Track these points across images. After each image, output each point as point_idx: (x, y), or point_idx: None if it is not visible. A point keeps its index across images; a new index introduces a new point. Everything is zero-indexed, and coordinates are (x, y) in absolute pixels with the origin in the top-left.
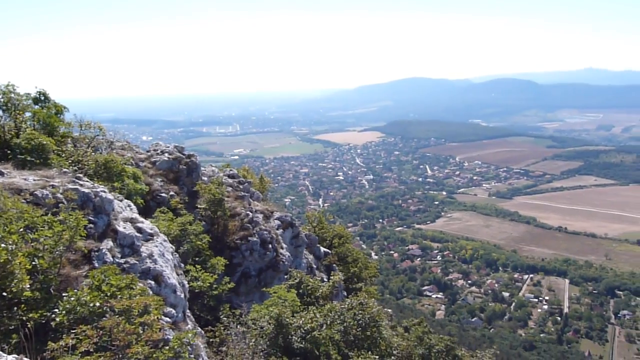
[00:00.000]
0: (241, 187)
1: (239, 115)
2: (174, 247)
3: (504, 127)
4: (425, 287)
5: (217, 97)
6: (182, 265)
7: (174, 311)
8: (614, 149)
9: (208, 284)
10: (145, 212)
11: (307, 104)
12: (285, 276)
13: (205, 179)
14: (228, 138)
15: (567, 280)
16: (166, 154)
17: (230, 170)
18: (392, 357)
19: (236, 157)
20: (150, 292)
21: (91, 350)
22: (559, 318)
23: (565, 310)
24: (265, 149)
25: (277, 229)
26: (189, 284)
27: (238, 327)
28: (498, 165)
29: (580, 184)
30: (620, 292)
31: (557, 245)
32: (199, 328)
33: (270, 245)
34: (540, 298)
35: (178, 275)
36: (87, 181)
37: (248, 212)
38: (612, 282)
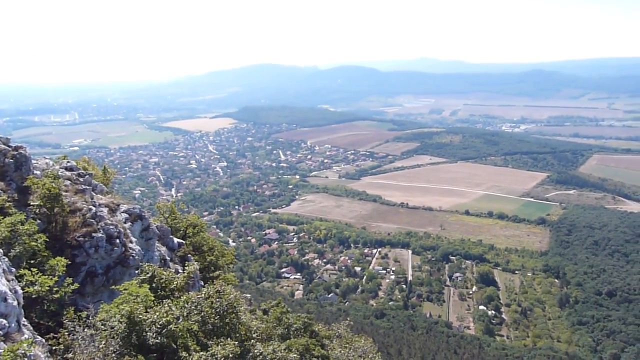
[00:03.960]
0: (81, 179)
1: (77, 102)
2: (2, 251)
3: (350, 111)
4: (284, 269)
5: (49, 85)
6: (14, 269)
7: (5, 321)
8: (445, 131)
9: (47, 288)
10: None
11: (154, 90)
12: (137, 271)
13: (38, 172)
14: (65, 127)
15: (410, 251)
16: None
17: (68, 162)
18: (252, 341)
19: (76, 147)
20: None
21: None
22: (404, 286)
23: (409, 278)
24: (109, 139)
25: (125, 223)
26: (23, 289)
27: (85, 330)
28: (346, 148)
29: (418, 163)
30: (453, 257)
31: (400, 220)
32: (38, 337)
33: (117, 240)
34: (388, 269)
35: (9, 281)
36: None
37: (91, 206)
38: (446, 249)
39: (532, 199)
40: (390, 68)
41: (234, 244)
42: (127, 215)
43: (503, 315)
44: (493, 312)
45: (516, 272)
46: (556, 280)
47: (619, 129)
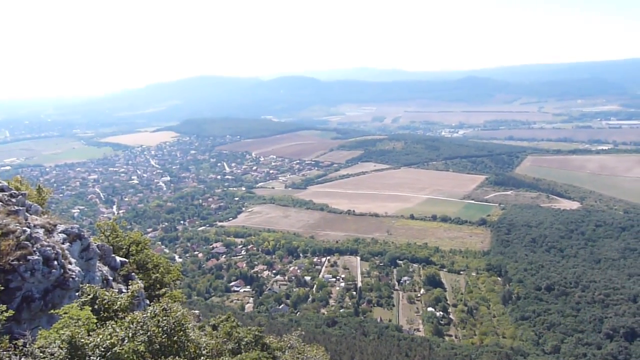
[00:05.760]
0: (14, 200)
1: (7, 119)
2: None
3: (293, 122)
4: (233, 283)
5: None
6: None
7: None
8: (387, 138)
9: None
10: None
11: (90, 105)
12: (77, 293)
13: None
14: None
15: (358, 258)
16: None
17: None
18: (202, 358)
19: (7, 167)
20: None
21: None
22: (354, 292)
23: (359, 284)
24: (44, 156)
25: (63, 243)
26: None
27: (22, 359)
28: (291, 158)
29: (363, 170)
30: (401, 262)
31: (347, 227)
32: None
33: (55, 262)
34: (338, 277)
35: None
36: None
37: (25, 228)
38: (393, 254)
39: (472, 201)
40: (331, 77)
41: (180, 259)
42: (65, 236)
43: (451, 316)
44: (441, 313)
45: (461, 272)
46: (499, 278)
47: (549, 131)
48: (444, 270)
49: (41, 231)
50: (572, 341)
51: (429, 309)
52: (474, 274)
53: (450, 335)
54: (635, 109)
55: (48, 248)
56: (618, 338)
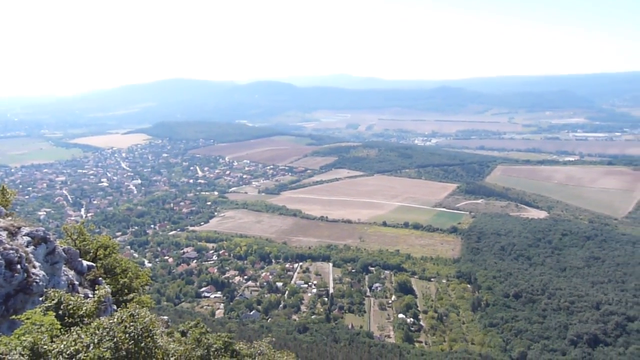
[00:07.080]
0: None
1: None
2: None
3: (268, 127)
4: (203, 289)
5: None
6: None
7: None
8: (361, 145)
9: None
10: None
11: (60, 105)
12: (41, 298)
13: None
14: None
15: (330, 264)
16: None
17: None
18: None
19: None
20: None
21: None
22: (326, 299)
23: (331, 290)
24: (9, 157)
25: (27, 246)
26: None
27: None
28: (265, 163)
29: (336, 176)
30: (373, 268)
31: (320, 233)
32: None
33: (18, 266)
34: (310, 283)
35: None
36: None
37: None
38: (365, 260)
39: (444, 209)
40: (308, 84)
41: (149, 264)
42: (29, 239)
43: (421, 322)
44: (412, 319)
45: (432, 279)
46: (468, 286)
47: (519, 142)
48: (415, 277)
49: (4, 234)
50: (538, 347)
51: (400, 315)
52: (444, 281)
53: (421, 342)
54: (601, 122)
55: (11, 251)
56: (582, 344)
